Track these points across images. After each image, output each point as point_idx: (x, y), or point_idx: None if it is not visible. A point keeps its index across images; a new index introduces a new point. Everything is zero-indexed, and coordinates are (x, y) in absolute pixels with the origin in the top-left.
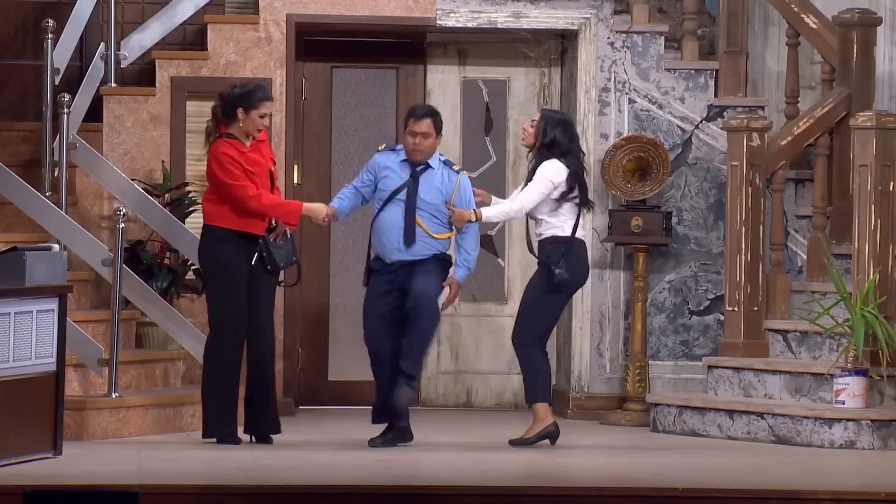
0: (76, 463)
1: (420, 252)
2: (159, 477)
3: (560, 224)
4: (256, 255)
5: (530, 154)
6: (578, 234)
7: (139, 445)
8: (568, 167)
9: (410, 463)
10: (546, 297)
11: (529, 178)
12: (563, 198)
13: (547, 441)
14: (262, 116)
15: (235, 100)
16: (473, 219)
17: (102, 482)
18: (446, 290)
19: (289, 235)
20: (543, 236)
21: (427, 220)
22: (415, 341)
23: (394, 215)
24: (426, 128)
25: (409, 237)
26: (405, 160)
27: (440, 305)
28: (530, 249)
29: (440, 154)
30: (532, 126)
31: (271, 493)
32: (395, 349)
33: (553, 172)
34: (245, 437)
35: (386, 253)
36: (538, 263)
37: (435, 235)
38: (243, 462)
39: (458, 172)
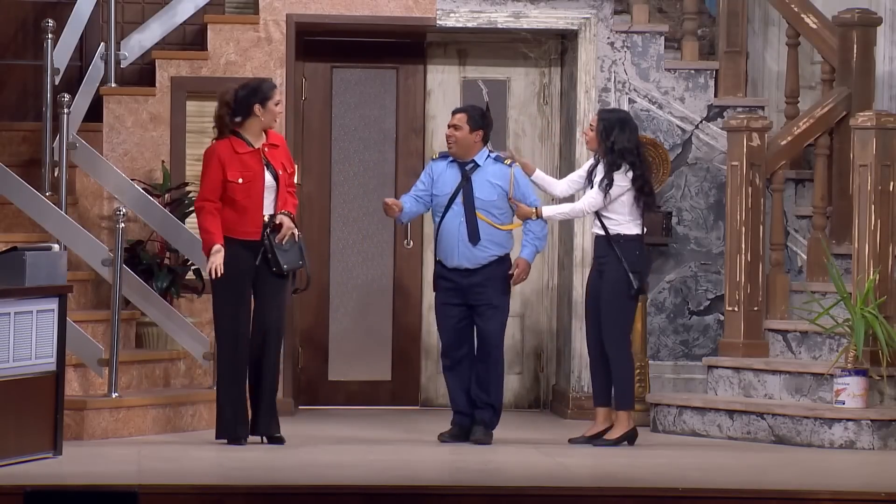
0: (76, 463)
1: (480, 257)
2: (159, 477)
3: (627, 221)
4: (261, 255)
5: (596, 154)
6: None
7: (139, 445)
8: (632, 169)
9: (410, 463)
10: (630, 298)
11: (591, 177)
12: (630, 198)
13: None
14: (276, 104)
15: (248, 97)
16: (534, 217)
17: (102, 482)
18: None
19: (297, 238)
20: (611, 233)
21: (487, 216)
22: (491, 380)
23: (454, 218)
24: (457, 120)
25: (473, 235)
26: (452, 161)
27: (511, 284)
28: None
29: (490, 151)
30: (592, 129)
31: (271, 493)
32: (470, 351)
33: (619, 181)
34: (255, 439)
35: (448, 256)
36: (603, 258)
37: (500, 227)
38: (243, 462)
39: (510, 165)
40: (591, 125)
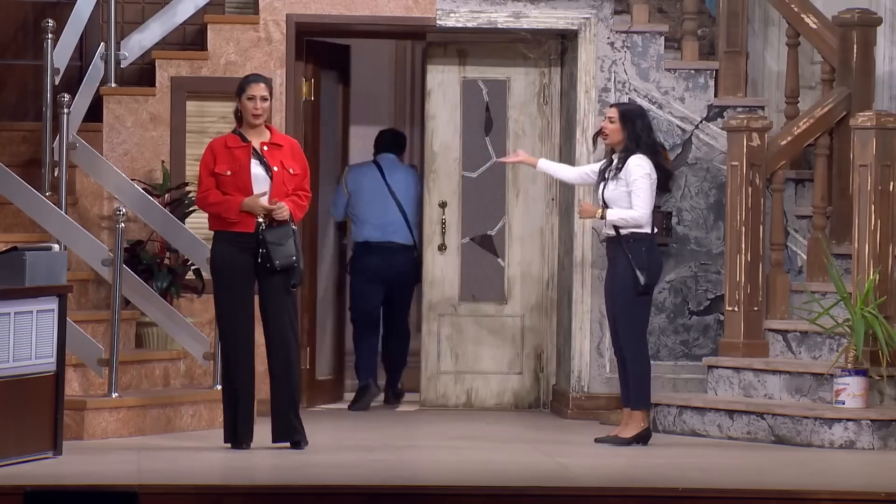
0: (76, 463)
1: None
2: (159, 477)
3: None
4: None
5: (609, 154)
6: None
7: (139, 445)
8: (650, 159)
9: (410, 463)
10: (639, 297)
11: (605, 176)
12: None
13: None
14: (249, 98)
15: (236, 93)
16: (598, 217)
17: (102, 482)
18: None
19: (292, 233)
20: (623, 233)
21: None
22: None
23: None
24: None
25: None
26: None
27: None
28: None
29: None
30: (612, 122)
31: (271, 493)
32: None
33: (648, 167)
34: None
35: None
36: (614, 259)
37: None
38: (243, 462)
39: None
40: (609, 118)
